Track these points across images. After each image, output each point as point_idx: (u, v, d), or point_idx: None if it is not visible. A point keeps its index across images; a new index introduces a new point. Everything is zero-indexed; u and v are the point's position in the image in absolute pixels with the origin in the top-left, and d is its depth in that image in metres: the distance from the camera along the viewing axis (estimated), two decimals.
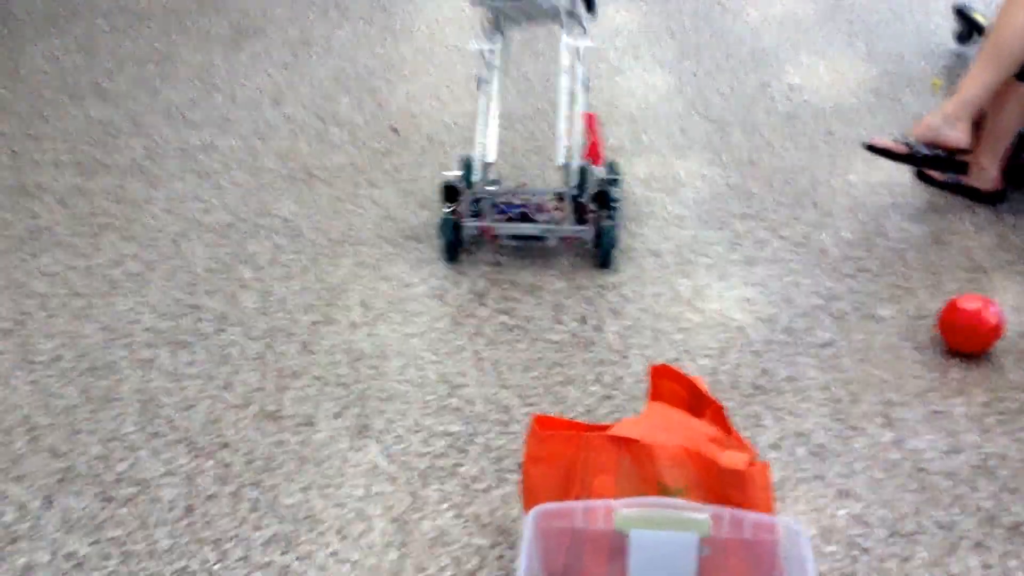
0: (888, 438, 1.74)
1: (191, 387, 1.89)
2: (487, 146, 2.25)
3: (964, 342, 1.95)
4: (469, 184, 2.25)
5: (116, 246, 2.35)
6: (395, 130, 2.88)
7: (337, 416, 1.82)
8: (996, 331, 1.93)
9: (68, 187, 2.60)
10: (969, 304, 1.96)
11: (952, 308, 1.96)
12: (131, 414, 1.82)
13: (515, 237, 2.27)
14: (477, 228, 2.26)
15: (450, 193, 2.23)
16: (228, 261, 2.28)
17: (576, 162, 2.19)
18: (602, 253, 2.22)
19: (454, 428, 1.78)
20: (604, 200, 2.19)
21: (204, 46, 3.45)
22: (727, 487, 1.26)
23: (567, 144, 2.17)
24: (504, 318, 2.09)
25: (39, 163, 2.73)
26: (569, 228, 2.24)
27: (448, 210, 2.23)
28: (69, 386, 1.90)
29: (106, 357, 1.98)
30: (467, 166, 2.28)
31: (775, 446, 1.73)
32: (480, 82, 2.25)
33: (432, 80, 3.18)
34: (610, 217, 2.21)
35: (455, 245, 2.26)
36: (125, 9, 3.76)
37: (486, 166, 2.26)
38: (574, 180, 2.20)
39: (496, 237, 2.28)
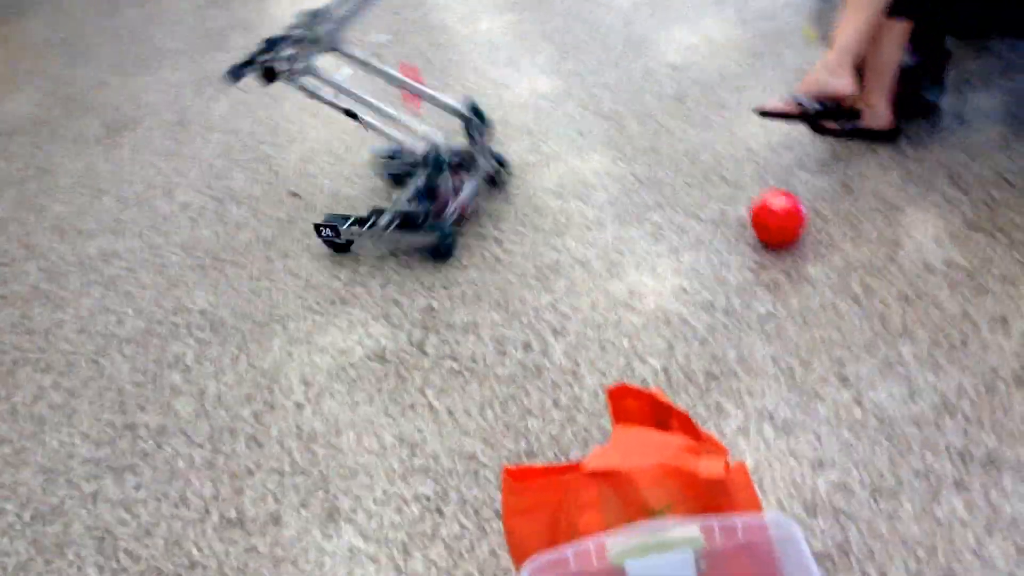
0: (847, 397, 1.75)
1: (144, 512, 1.81)
2: (419, 132, 2.34)
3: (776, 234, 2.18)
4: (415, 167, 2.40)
5: (33, 380, 2.24)
6: (295, 195, 2.82)
7: (303, 506, 1.76)
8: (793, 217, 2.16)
9: None
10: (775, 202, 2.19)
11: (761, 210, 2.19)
12: (89, 555, 1.74)
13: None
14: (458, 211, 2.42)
15: (432, 193, 2.35)
16: (154, 370, 2.20)
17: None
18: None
19: (424, 489, 1.74)
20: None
21: (81, 150, 3.34)
22: (711, 495, 1.24)
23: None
24: (449, 363, 2.05)
25: None
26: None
27: (443, 221, 2.37)
28: (17, 540, 1.81)
29: (49, 500, 1.89)
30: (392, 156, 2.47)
31: (742, 431, 1.72)
32: (351, 115, 2.38)
33: (322, 135, 3.12)
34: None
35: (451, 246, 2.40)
36: None
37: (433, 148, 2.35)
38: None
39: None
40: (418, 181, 2.36)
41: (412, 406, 1.95)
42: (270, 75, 2.23)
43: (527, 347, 2.05)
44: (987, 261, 2.02)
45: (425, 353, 2.09)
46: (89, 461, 1.97)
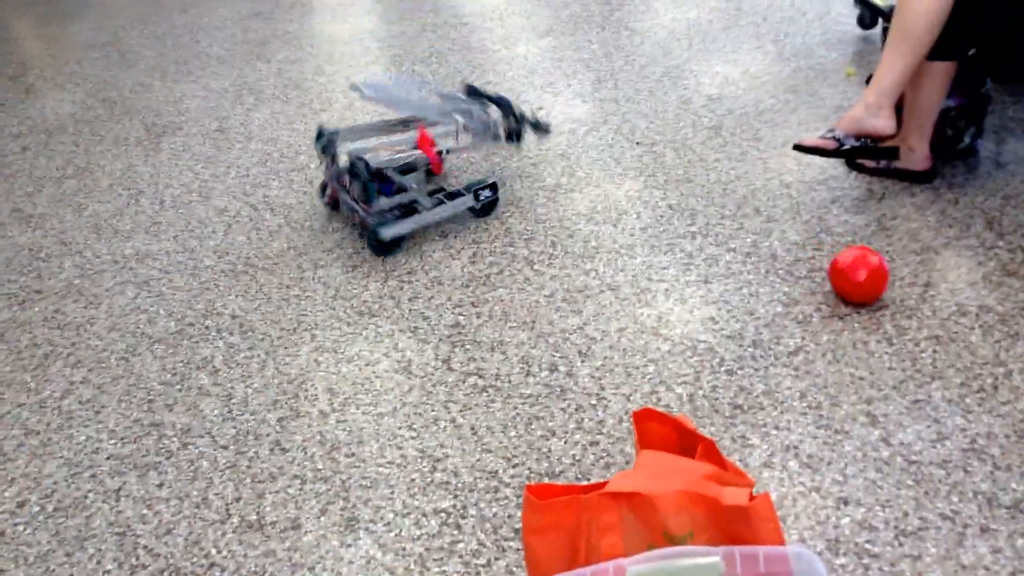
0: (875, 436, 1.74)
1: (166, 510, 1.83)
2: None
3: (855, 290, 2.08)
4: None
5: (64, 374, 2.27)
6: (330, 205, 2.85)
7: (322, 513, 1.76)
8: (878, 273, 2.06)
9: (4, 321, 2.51)
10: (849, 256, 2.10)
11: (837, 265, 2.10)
12: (109, 550, 1.75)
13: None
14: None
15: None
16: (182, 370, 2.22)
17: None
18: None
19: (444, 504, 1.74)
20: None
21: (122, 152, 3.39)
22: (733, 524, 1.24)
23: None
24: (474, 379, 2.06)
25: None
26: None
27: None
28: (39, 531, 1.82)
29: (73, 494, 1.91)
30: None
31: (767, 464, 1.71)
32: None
33: None
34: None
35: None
36: (35, 128, 3.68)
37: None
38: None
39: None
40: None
41: (435, 420, 1.95)
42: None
43: (553, 368, 2.05)
44: (1022, 307, 2.01)
45: (451, 369, 2.10)
46: (114, 457, 1.99)
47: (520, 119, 2.71)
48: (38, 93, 4.03)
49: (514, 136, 2.71)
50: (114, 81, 4.05)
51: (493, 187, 2.63)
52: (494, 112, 2.71)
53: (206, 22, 4.67)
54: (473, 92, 2.78)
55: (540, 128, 2.75)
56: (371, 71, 3.77)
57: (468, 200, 2.60)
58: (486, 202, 2.64)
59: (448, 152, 2.75)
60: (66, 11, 5.17)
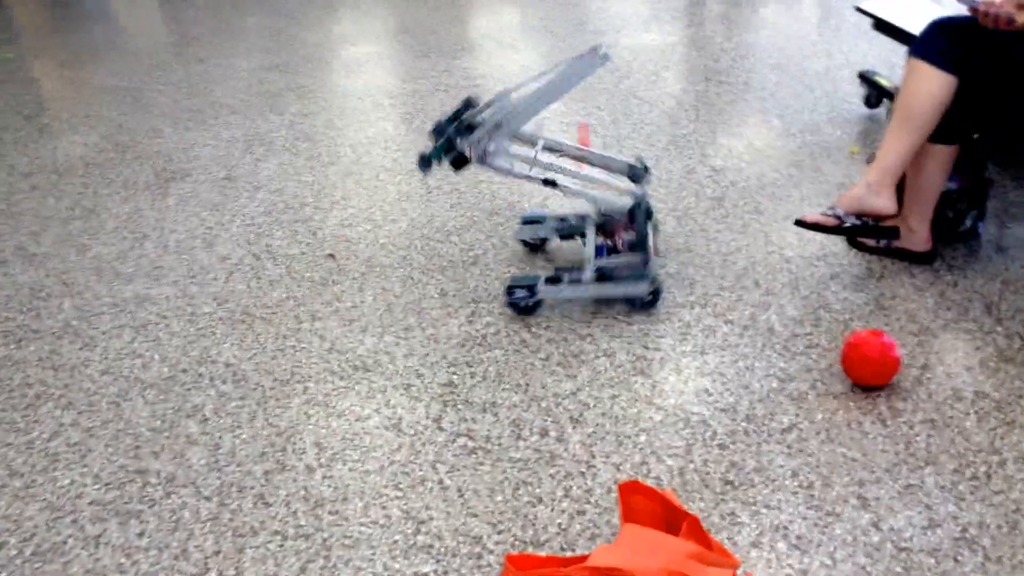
0: (866, 520, 1.72)
1: (144, 560, 1.80)
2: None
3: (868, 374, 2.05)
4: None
5: (54, 416, 2.26)
6: (332, 256, 2.86)
7: (302, 571, 1.73)
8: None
9: None
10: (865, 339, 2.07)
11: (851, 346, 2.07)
12: None
13: None
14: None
15: (643, 243, 2.43)
16: (172, 417, 2.21)
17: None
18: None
19: (425, 568, 1.72)
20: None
21: (130, 195, 3.42)
22: None
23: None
24: (464, 440, 2.04)
25: None
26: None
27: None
28: None
29: (52, 538, 1.88)
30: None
31: (755, 544, 1.69)
32: (550, 184, 2.40)
33: (363, 203, 3.17)
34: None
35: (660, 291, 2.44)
36: (45, 167, 3.72)
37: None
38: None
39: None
40: (613, 233, 2.45)
41: (422, 480, 1.93)
42: (461, 163, 2.33)
43: (544, 432, 2.03)
44: (1018, 394, 1.99)
45: (441, 428, 2.08)
46: (97, 503, 1.97)
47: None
48: (52, 133, 4.08)
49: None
50: (128, 125, 4.10)
51: (655, 291, 2.41)
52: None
53: (222, 72, 4.74)
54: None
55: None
56: (381, 127, 3.81)
57: (641, 288, 2.40)
58: (646, 298, 2.43)
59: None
60: (85, 55, 5.25)
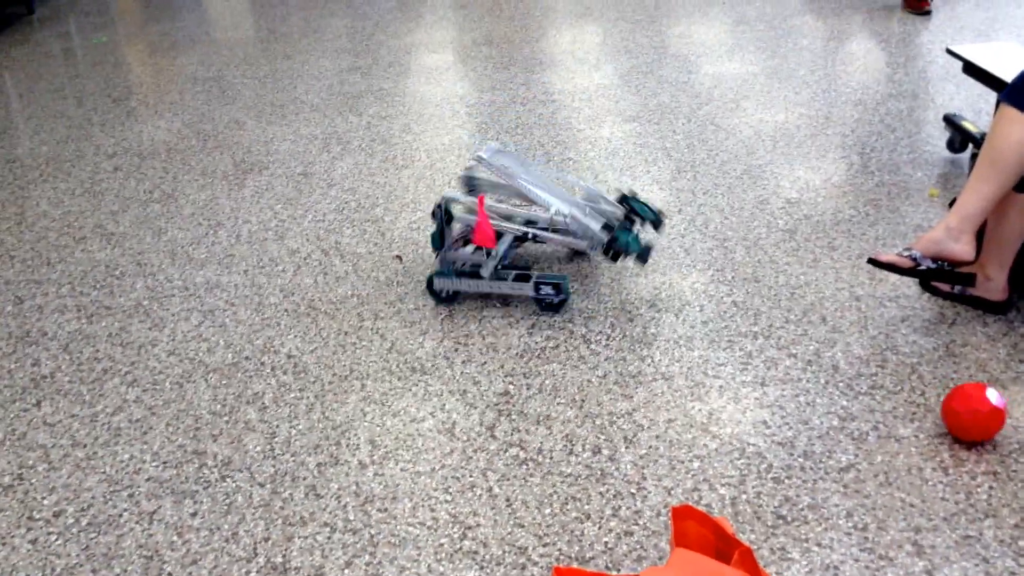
0: (920, 567, 1.67)
1: (195, 540, 1.83)
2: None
3: (968, 427, 1.96)
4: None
5: (119, 392, 2.32)
6: (399, 258, 2.89)
7: (347, 565, 1.75)
8: (996, 414, 1.94)
9: (71, 332, 2.59)
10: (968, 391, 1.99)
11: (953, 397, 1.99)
12: (134, 572, 1.76)
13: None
14: None
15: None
16: (232, 403, 2.25)
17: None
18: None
19: (468, 574, 1.72)
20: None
21: (208, 183, 3.50)
22: None
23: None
24: (516, 451, 2.04)
25: (42, 308, 2.73)
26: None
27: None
28: (70, 544, 1.84)
29: (108, 511, 1.93)
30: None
31: None
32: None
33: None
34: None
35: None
36: (129, 150, 3.83)
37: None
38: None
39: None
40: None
41: (472, 487, 1.94)
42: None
43: (596, 450, 2.03)
44: None
45: (494, 436, 2.09)
46: (154, 480, 2.01)
47: (632, 243, 2.55)
48: (138, 117, 4.20)
49: (614, 256, 2.56)
50: (211, 115, 4.21)
51: (557, 287, 2.52)
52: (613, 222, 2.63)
53: (306, 70, 4.84)
54: (624, 201, 2.70)
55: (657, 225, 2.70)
56: (456, 135, 3.85)
57: (527, 288, 2.54)
58: (548, 299, 2.54)
59: (534, 238, 2.63)
60: (176, 44, 5.40)
